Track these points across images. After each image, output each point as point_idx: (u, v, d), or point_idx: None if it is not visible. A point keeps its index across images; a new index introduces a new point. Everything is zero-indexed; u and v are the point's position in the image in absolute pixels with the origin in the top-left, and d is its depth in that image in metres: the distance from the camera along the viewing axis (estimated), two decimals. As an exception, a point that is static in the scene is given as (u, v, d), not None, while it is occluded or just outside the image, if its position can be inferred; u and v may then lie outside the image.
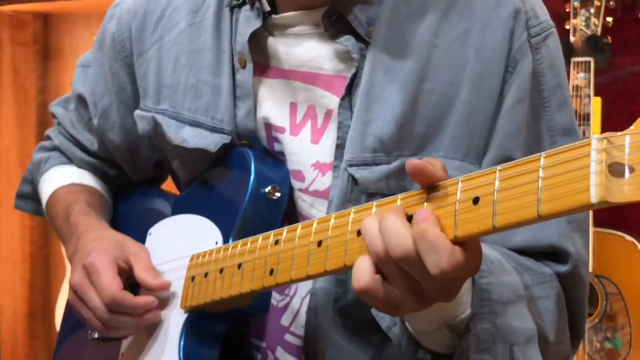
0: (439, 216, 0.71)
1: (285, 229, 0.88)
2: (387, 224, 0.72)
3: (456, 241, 0.70)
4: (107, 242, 1.08)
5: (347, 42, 0.98)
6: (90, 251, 1.05)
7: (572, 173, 0.61)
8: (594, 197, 0.59)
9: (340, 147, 0.99)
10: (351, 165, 0.97)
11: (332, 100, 1.01)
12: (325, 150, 1.01)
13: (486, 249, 0.86)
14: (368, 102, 0.97)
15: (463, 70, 0.96)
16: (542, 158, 0.64)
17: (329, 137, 1.01)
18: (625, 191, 0.58)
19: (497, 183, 0.67)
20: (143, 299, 1.03)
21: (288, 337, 1.03)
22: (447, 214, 0.71)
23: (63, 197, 1.21)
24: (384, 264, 0.73)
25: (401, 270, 0.73)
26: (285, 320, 1.04)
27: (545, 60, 0.99)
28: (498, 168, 0.68)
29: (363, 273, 0.74)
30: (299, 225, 0.86)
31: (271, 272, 0.88)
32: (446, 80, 0.96)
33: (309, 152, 1.02)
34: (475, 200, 0.68)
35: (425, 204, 0.73)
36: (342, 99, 0.98)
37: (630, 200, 0.58)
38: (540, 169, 0.63)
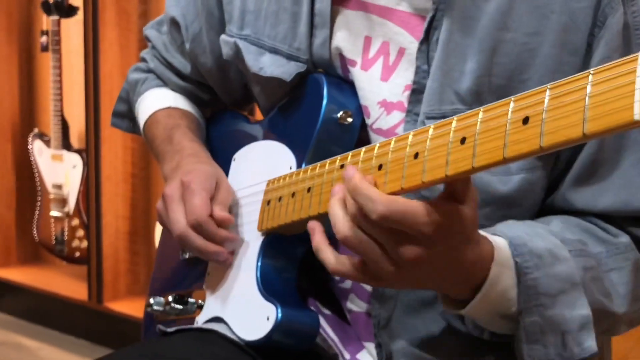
0: (492, 135, 0.69)
1: (350, 153, 0.89)
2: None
3: (506, 162, 0.68)
4: (208, 171, 1.10)
5: None
6: (192, 171, 1.09)
7: (618, 90, 0.58)
8: (638, 114, 0.56)
9: (416, 92, 0.97)
10: (429, 118, 0.95)
11: (406, 39, 0.99)
12: (394, 89, 1.00)
13: (537, 242, 0.87)
14: (447, 51, 0.95)
15: (547, 20, 0.92)
16: (590, 75, 0.61)
17: (399, 76, 1.00)
18: (672, 108, 0.55)
19: (546, 101, 0.65)
20: (225, 232, 1.05)
21: None
22: (498, 135, 0.69)
23: (164, 119, 1.23)
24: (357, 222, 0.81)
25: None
26: None
27: None
28: (549, 86, 0.65)
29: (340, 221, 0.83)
30: (362, 149, 0.87)
31: None
32: (529, 30, 0.92)
33: (377, 89, 1.01)
34: (525, 120, 0.67)
35: (479, 125, 0.72)
36: (421, 42, 0.96)
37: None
38: (588, 86, 0.61)
